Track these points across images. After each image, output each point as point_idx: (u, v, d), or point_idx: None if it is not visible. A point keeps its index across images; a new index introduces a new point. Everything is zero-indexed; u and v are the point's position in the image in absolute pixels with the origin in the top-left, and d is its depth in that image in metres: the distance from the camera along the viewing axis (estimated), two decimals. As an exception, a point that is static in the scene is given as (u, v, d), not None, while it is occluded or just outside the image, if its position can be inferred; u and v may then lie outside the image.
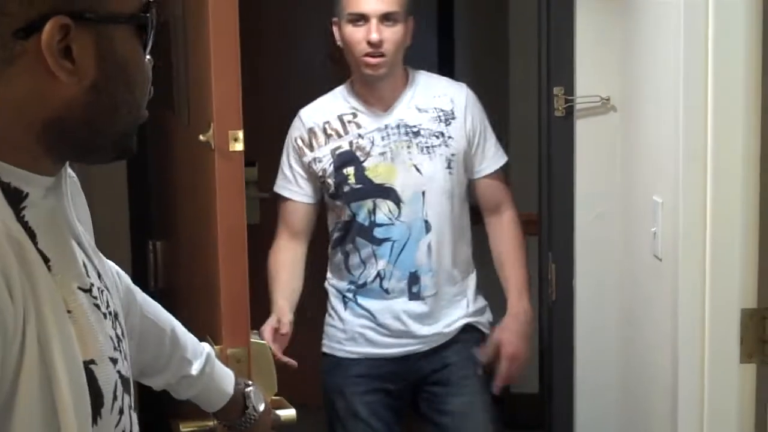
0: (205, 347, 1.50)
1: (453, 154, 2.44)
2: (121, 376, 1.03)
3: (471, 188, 2.54)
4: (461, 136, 2.45)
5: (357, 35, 2.34)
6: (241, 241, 1.73)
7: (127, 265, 2.89)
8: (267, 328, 2.35)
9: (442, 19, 4.15)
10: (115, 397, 1.01)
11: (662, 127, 2.05)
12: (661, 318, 2.08)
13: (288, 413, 1.69)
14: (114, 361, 1.02)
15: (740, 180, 1.83)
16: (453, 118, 2.46)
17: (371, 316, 2.48)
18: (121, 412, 1.03)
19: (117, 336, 1.06)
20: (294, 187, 2.53)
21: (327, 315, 2.59)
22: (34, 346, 0.89)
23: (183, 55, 2.12)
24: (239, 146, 1.69)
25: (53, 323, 0.91)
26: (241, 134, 1.68)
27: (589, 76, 2.48)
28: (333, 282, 2.56)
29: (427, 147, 2.42)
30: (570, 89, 2.48)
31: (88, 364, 0.96)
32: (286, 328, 2.39)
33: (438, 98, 2.48)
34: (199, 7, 1.75)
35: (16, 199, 0.94)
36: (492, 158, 2.53)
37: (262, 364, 1.74)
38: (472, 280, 2.58)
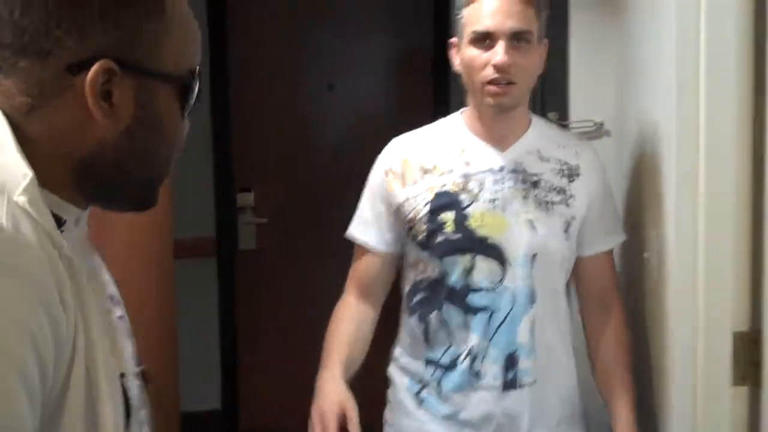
0: None
1: (573, 217, 2.02)
2: (141, 390, 1.09)
3: (575, 269, 2.11)
4: (583, 198, 2.03)
5: (480, 58, 1.91)
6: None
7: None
8: (323, 413, 1.86)
9: (437, 47, 4.19)
10: (138, 410, 1.07)
11: (653, 150, 2.08)
12: (654, 341, 2.10)
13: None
14: (136, 375, 1.08)
15: (732, 204, 1.84)
16: (577, 175, 2.04)
17: (455, 412, 2.02)
18: (141, 424, 1.09)
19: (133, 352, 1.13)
20: (373, 231, 2.08)
21: (387, 410, 2.14)
22: (81, 357, 0.93)
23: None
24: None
25: (98, 336, 0.96)
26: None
27: (583, 102, 2.51)
28: (403, 362, 2.08)
29: (546, 202, 1.99)
30: (564, 114, 2.51)
31: (120, 378, 1.02)
32: (353, 422, 1.87)
33: (562, 148, 2.06)
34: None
35: (59, 223, 0.99)
36: (609, 234, 2.11)
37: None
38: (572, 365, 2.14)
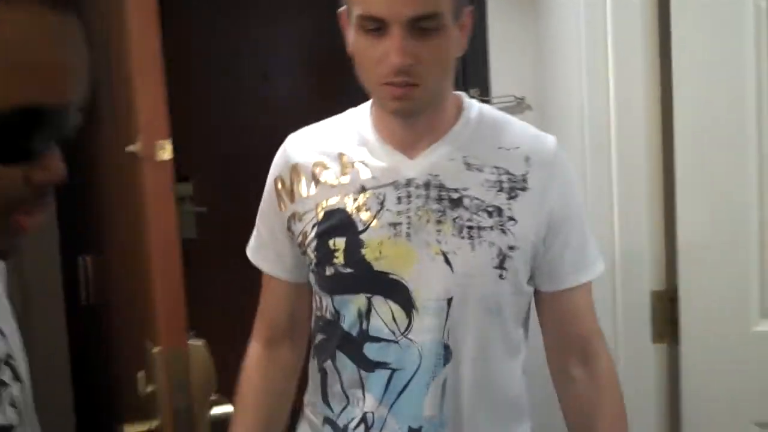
0: None
1: (512, 247, 1.45)
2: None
3: (539, 308, 1.58)
4: (531, 219, 1.47)
5: (372, 51, 1.37)
6: (173, 241, 1.76)
7: (57, 280, 2.92)
8: None
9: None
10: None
11: (571, 124, 2.14)
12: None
13: (226, 410, 1.72)
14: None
15: (644, 170, 1.92)
16: (523, 189, 1.47)
17: None
18: None
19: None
20: (272, 254, 1.62)
21: None
22: None
23: (106, 69, 2.16)
24: (167, 155, 1.72)
25: None
26: (169, 144, 1.72)
27: (504, 77, 2.56)
28: (307, 412, 1.63)
29: (470, 228, 1.44)
30: (486, 90, 2.55)
31: None
32: None
33: (505, 151, 1.49)
34: (119, 18, 1.80)
35: None
36: (583, 264, 1.54)
37: (200, 364, 1.78)
38: None
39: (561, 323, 1.56)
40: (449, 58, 1.42)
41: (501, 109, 2.47)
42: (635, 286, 1.94)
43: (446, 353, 1.46)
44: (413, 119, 1.46)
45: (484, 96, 2.54)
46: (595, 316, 1.58)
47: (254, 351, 1.67)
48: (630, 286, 1.94)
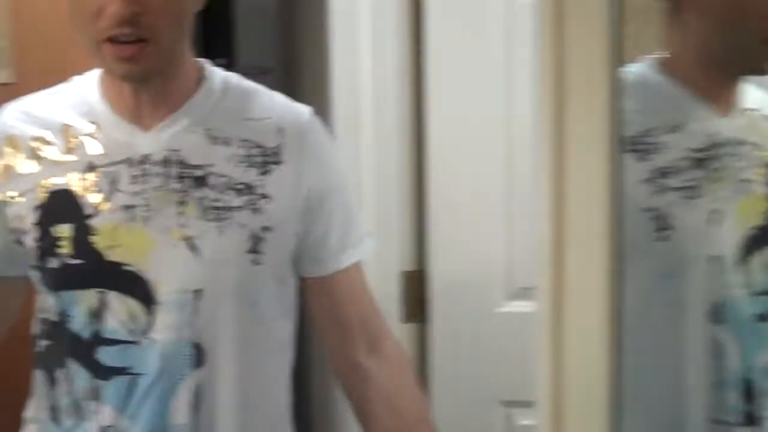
0: None
1: (266, 228, 1.31)
2: None
3: (307, 296, 1.44)
4: (289, 196, 1.34)
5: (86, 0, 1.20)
6: None
7: None
8: None
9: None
10: None
11: (323, 96, 2.09)
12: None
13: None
14: None
15: (396, 147, 1.91)
16: (277, 163, 1.33)
17: None
18: None
19: None
20: None
21: None
22: None
23: None
24: None
25: None
26: None
27: (250, 46, 2.47)
28: (33, 427, 1.39)
29: (217, 209, 1.29)
30: (233, 61, 2.45)
31: None
32: None
33: (254, 122, 1.35)
34: None
35: None
36: (350, 243, 1.42)
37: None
38: None
39: (336, 311, 1.42)
40: (185, 8, 1.25)
41: (248, 79, 2.44)
42: (385, 267, 1.92)
43: (197, 353, 1.28)
44: (146, 84, 1.28)
45: (231, 67, 2.44)
46: (372, 296, 1.45)
47: None
48: (380, 268, 1.91)
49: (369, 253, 1.45)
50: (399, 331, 1.93)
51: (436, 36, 1.84)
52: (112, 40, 1.19)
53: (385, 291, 1.92)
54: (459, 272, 1.89)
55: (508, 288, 1.89)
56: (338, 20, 1.91)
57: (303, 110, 1.40)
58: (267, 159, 1.33)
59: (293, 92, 2.35)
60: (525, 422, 1.85)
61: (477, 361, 1.89)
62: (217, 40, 2.42)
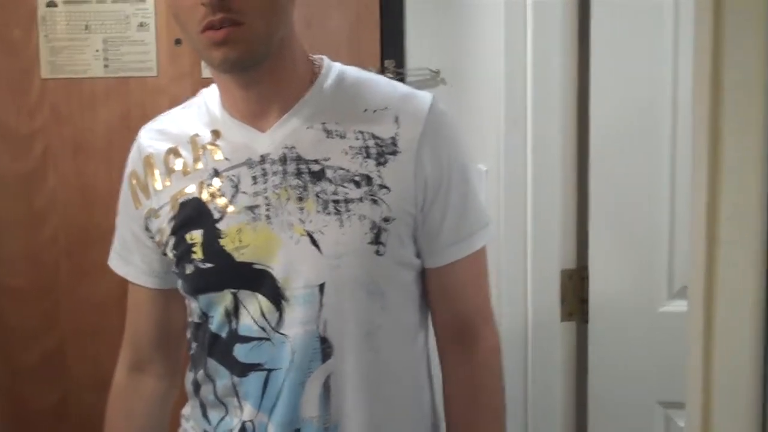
0: None
1: (387, 219, 1.30)
2: None
3: (425, 286, 1.41)
4: (407, 187, 1.31)
5: None
6: None
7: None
8: None
9: None
10: None
11: (486, 97, 2.12)
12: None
13: None
14: None
15: (559, 147, 1.91)
16: (393, 153, 1.31)
17: None
18: None
19: None
20: (137, 257, 1.45)
21: None
22: None
23: None
24: None
25: None
26: None
27: (420, 49, 2.52)
28: (187, 427, 1.46)
29: (336, 202, 1.29)
30: (400, 62, 2.51)
31: None
32: None
33: (372, 113, 1.33)
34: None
35: None
36: (465, 234, 1.37)
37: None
38: None
39: (442, 302, 1.40)
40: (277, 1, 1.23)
41: (415, 81, 2.49)
42: (546, 264, 1.93)
43: (324, 347, 1.29)
44: (249, 76, 1.28)
45: (399, 68, 2.50)
46: (484, 290, 1.41)
47: (117, 380, 1.51)
48: (540, 265, 1.93)
49: (484, 244, 1.39)
50: (558, 330, 1.95)
51: (600, 36, 1.83)
52: (207, 28, 1.20)
53: (545, 289, 1.94)
54: (620, 271, 1.88)
55: (670, 287, 1.86)
56: (505, 22, 1.93)
57: (423, 97, 1.35)
58: (384, 149, 1.31)
59: (459, 93, 2.40)
60: (684, 424, 1.82)
61: (637, 360, 1.88)
62: (388, 43, 2.48)
